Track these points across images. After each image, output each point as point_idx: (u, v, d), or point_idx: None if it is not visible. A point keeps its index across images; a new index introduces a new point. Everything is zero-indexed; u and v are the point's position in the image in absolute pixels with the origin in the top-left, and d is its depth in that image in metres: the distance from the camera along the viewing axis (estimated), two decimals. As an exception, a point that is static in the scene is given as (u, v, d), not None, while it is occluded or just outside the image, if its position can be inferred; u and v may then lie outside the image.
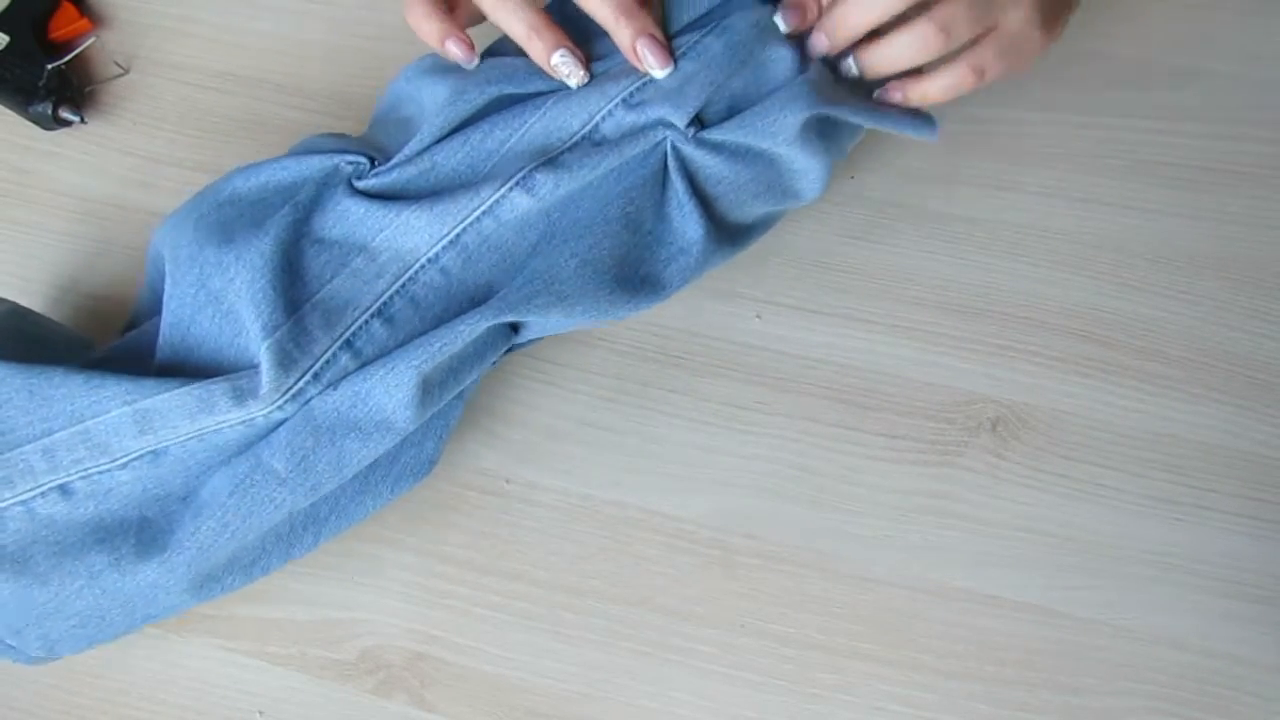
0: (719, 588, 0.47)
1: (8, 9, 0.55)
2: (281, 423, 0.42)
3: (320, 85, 0.56)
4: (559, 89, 0.45)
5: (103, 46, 0.58)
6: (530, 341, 0.48)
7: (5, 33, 0.55)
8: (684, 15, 0.45)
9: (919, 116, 0.47)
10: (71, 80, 0.56)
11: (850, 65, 0.45)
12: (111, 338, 0.48)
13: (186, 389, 0.41)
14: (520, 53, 0.45)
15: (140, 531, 0.42)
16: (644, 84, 0.44)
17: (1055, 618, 0.46)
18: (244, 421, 0.41)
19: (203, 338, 0.43)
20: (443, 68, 0.46)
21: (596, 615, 0.47)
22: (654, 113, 0.44)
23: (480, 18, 0.45)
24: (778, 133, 0.43)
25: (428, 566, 0.48)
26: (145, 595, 0.43)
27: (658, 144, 0.44)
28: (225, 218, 0.44)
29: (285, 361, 0.41)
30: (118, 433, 0.41)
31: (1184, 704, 0.45)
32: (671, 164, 0.44)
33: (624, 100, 0.44)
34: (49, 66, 0.54)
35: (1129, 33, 0.54)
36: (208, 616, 0.48)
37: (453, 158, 0.44)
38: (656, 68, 0.43)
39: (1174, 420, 0.48)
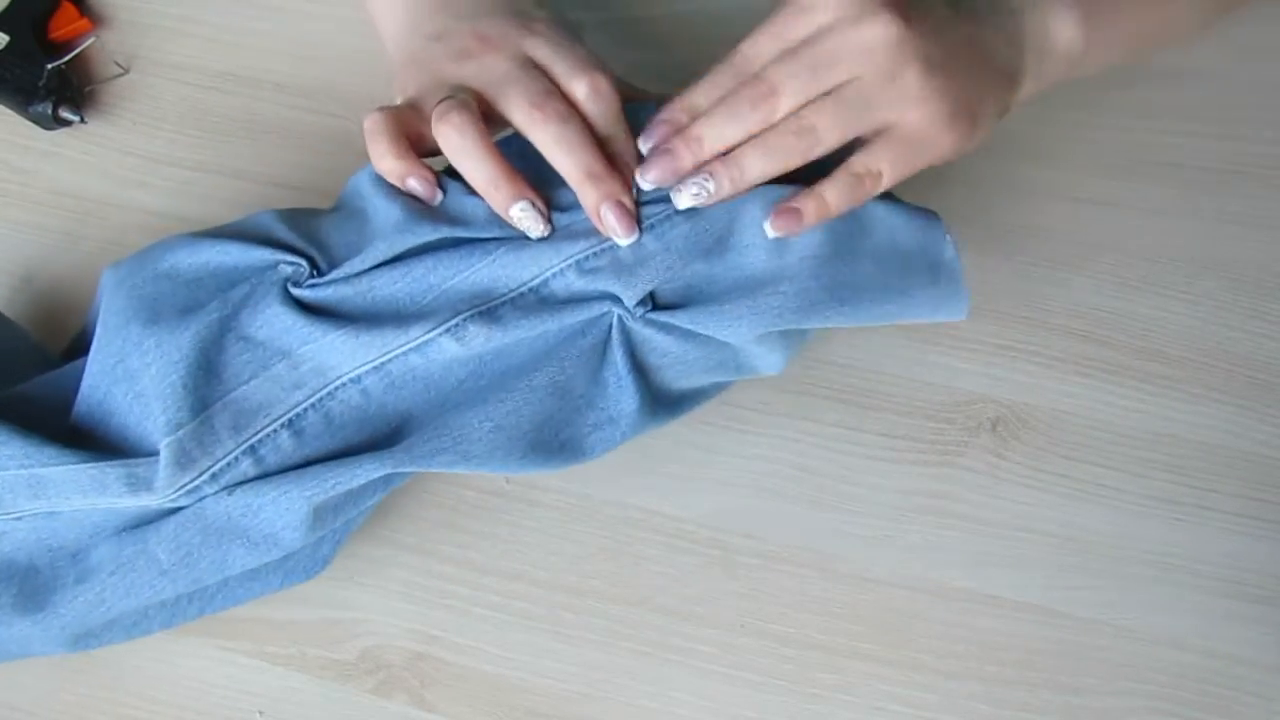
0: (719, 588, 0.47)
1: (8, 9, 0.55)
2: (174, 511, 0.42)
3: (320, 85, 0.56)
4: (515, 236, 0.43)
5: (103, 46, 0.58)
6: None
7: (5, 33, 0.55)
8: None
9: (940, 292, 0.43)
10: (71, 80, 0.56)
11: (705, 185, 0.41)
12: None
13: (83, 466, 0.41)
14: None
15: (24, 581, 0.43)
16: (601, 250, 0.42)
17: (1055, 618, 0.46)
18: (136, 505, 0.42)
19: (114, 410, 0.43)
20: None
21: (596, 615, 0.47)
22: (604, 284, 0.42)
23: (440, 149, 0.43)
24: (731, 335, 0.42)
25: (428, 566, 0.48)
26: (18, 641, 0.43)
27: (602, 315, 0.43)
28: (158, 293, 0.43)
29: (184, 460, 0.41)
30: (11, 491, 0.41)
31: (1184, 704, 0.45)
32: (615, 336, 0.43)
33: (578, 263, 0.42)
34: (49, 66, 0.54)
35: (1129, 33, 0.54)
36: (208, 617, 0.48)
37: (391, 286, 0.43)
38: (620, 235, 0.41)
39: (1174, 420, 0.48)
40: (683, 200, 0.41)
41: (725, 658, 0.46)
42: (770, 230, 0.41)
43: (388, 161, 0.42)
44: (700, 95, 0.41)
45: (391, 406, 0.43)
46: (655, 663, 0.46)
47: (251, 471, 0.42)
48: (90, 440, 0.43)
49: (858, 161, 0.41)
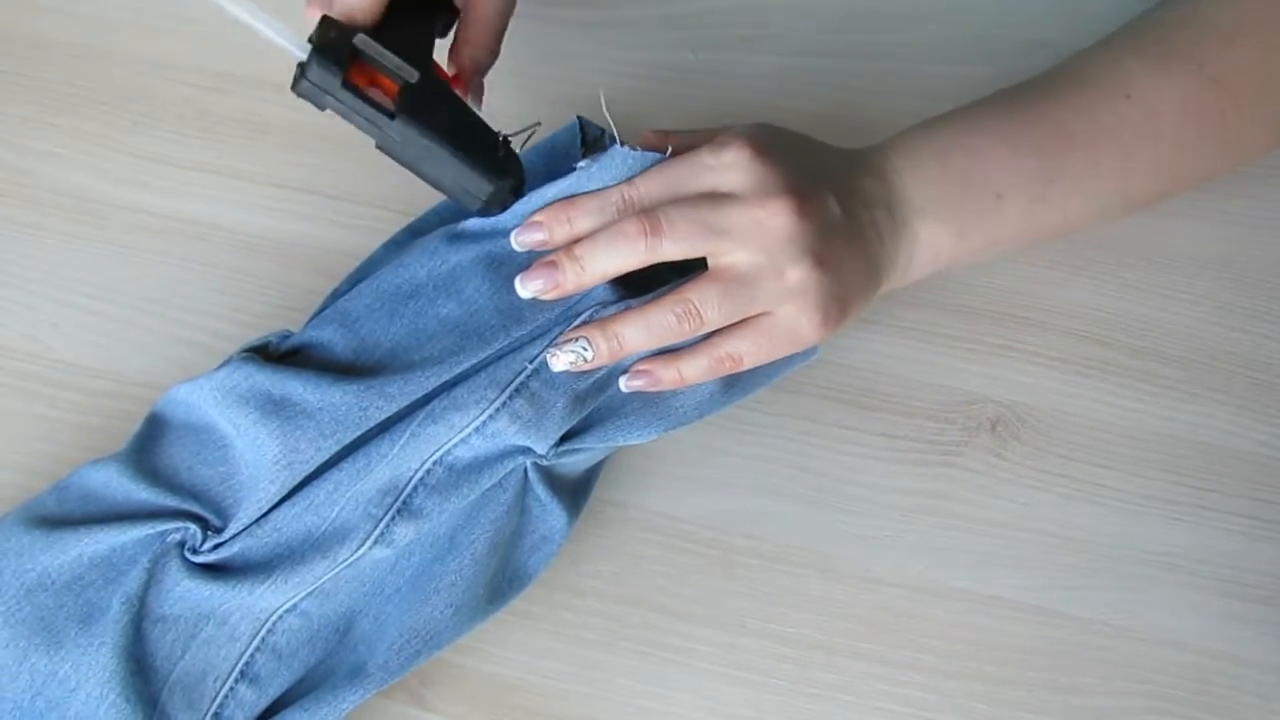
0: (719, 588, 0.47)
1: None
2: None
3: (320, 85, 0.56)
4: (396, 422, 0.42)
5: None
6: None
7: None
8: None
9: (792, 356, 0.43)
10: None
11: (584, 352, 0.41)
12: (107, 339, 0.48)
13: None
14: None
15: None
16: (496, 412, 0.41)
17: (1055, 618, 0.46)
18: None
19: None
20: (257, 397, 0.42)
21: (596, 615, 0.47)
22: (513, 441, 0.42)
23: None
24: (639, 441, 0.43)
25: (428, 566, 0.48)
26: None
27: (515, 467, 0.43)
28: (42, 611, 0.41)
29: None
30: None
31: (1184, 704, 0.45)
32: (532, 474, 0.44)
33: (476, 429, 0.41)
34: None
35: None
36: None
37: (297, 521, 0.42)
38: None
39: (1174, 420, 0.48)
40: (558, 364, 0.41)
41: (725, 658, 0.46)
42: (624, 386, 0.42)
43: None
44: (581, 212, 0.41)
45: (333, 612, 0.43)
46: (655, 663, 0.46)
47: None
48: None
49: (723, 345, 0.41)
